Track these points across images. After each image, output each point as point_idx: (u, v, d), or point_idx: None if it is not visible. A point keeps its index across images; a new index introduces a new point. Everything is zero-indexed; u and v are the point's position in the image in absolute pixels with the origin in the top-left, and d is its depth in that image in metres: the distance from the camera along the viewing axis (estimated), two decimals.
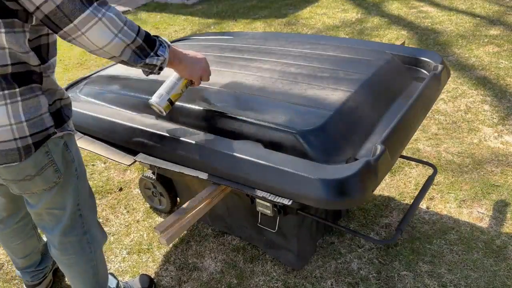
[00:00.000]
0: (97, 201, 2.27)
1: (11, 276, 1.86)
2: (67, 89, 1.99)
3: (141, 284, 1.69)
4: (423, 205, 2.03)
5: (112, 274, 1.66)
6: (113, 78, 1.84)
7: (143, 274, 1.75)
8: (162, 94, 1.37)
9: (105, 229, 2.08)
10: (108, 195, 2.32)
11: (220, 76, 1.66)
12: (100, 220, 2.14)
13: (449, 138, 2.49)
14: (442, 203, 2.03)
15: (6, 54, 0.98)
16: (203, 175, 1.40)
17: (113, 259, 1.91)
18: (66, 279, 1.80)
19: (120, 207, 2.22)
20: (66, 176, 1.22)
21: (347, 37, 4.05)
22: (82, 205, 1.32)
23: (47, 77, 1.10)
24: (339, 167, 1.21)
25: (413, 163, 2.31)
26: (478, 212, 1.96)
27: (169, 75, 1.41)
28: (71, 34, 0.98)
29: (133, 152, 1.60)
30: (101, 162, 2.61)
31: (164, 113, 1.42)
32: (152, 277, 1.78)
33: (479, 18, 4.22)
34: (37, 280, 1.67)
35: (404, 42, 2.48)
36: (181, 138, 1.44)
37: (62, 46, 4.67)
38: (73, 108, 1.75)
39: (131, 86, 1.75)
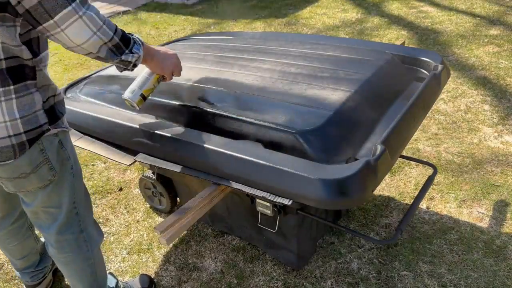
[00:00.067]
0: (97, 201, 2.28)
1: (11, 276, 1.86)
2: (67, 89, 1.99)
3: (141, 284, 1.69)
4: (423, 205, 2.03)
5: (111, 274, 1.66)
6: (113, 78, 1.84)
7: (143, 274, 1.75)
8: (135, 90, 1.41)
9: (105, 229, 2.08)
10: (108, 195, 2.32)
11: (220, 76, 1.66)
12: (100, 220, 2.14)
13: (449, 138, 2.49)
14: (442, 203, 2.03)
15: (0, 49, 0.99)
16: (203, 175, 1.40)
17: (113, 259, 1.91)
18: (66, 279, 1.80)
19: (120, 207, 2.22)
20: (61, 174, 1.23)
21: (347, 37, 4.05)
22: (78, 203, 1.32)
23: (40, 71, 1.11)
24: (339, 167, 1.21)
25: (413, 163, 2.31)
26: (478, 212, 1.96)
27: (141, 71, 1.43)
28: (50, 30, 1.00)
29: (133, 152, 1.60)
30: (101, 162, 2.61)
31: (137, 108, 1.45)
32: (152, 277, 1.78)
33: (479, 18, 4.22)
34: (37, 280, 1.67)
35: (404, 42, 2.48)
36: (181, 138, 1.44)
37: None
38: (73, 108, 1.75)
39: None
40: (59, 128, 1.18)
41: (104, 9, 6.05)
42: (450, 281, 1.65)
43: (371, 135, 1.42)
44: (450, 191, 2.10)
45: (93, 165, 2.59)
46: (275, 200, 1.25)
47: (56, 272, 1.81)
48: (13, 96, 1.04)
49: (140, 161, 1.54)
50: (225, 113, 1.48)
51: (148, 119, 1.61)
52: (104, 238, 2.02)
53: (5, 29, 0.98)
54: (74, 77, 3.90)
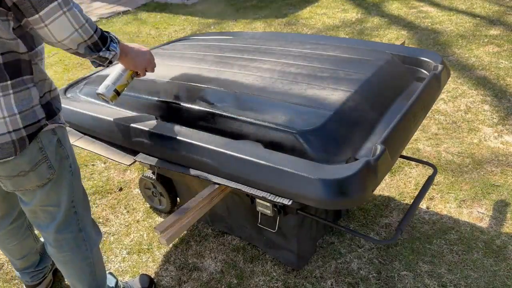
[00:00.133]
0: (97, 201, 2.28)
1: (11, 276, 1.86)
2: (67, 89, 1.99)
3: (141, 284, 1.69)
4: (423, 205, 2.03)
5: (111, 273, 1.66)
6: None
7: (143, 274, 1.75)
8: (109, 85, 1.44)
9: (105, 229, 2.08)
10: (108, 195, 2.32)
11: (220, 76, 1.66)
12: (100, 220, 2.14)
13: (449, 138, 2.49)
14: (442, 203, 2.03)
15: None
16: (203, 175, 1.40)
17: (113, 259, 1.91)
18: (65, 278, 1.79)
19: (120, 207, 2.22)
20: (60, 172, 1.23)
21: (347, 37, 4.05)
22: (77, 202, 1.33)
23: (36, 65, 1.12)
24: (339, 167, 1.20)
25: (413, 163, 2.31)
26: (478, 212, 1.96)
27: (115, 67, 1.46)
28: (33, 24, 1.02)
29: (133, 152, 1.60)
30: (101, 162, 2.61)
31: (111, 103, 1.49)
32: (152, 277, 1.78)
33: (479, 18, 4.22)
34: (37, 280, 1.67)
35: (404, 42, 2.48)
36: (181, 138, 1.44)
37: None
38: (73, 108, 1.75)
39: (131, 86, 1.75)
40: (56, 123, 1.19)
41: (104, 9, 6.05)
42: (450, 281, 1.65)
43: (371, 135, 1.42)
44: (450, 191, 2.10)
45: (93, 165, 2.59)
46: (275, 200, 1.25)
47: (56, 272, 1.81)
48: (11, 91, 1.05)
49: (140, 161, 1.54)
50: (225, 113, 1.48)
51: (148, 119, 1.60)
52: (104, 238, 2.02)
53: (0, 23, 0.99)
54: (74, 77, 3.90)
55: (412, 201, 1.93)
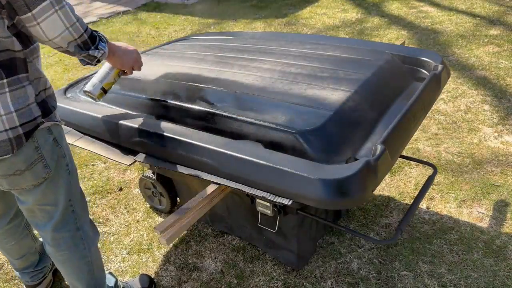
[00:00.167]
0: (97, 201, 2.28)
1: (11, 276, 1.86)
2: (67, 89, 1.99)
3: (141, 284, 1.69)
4: (423, 205, 2.03)
5: (111, 273, 1.66)
6: None
7: (143, 274, 1.75)
8: (96, 83, 1.46)
9: (105, 229, 2.08)
10: (108, 195, 2.32)
11: (220, 76, 1.66)
12: (100, 220, 2.14)
13: (449, 138, 2.49)
14: (442, 203, 2.03)
15: None
16: (203, 175, 1.40)
17: (113, 259, 1.91)
18: (64, 278, 1.79)
19: (120, 207, 2.22)
20: (57, 171, 1.24)
21: (347, 37, 4.05)
22: (74, 201, 1.33)
23: (31, 63, 1.12)
24: (339, 167, 1.20)
25: (413, 163, 2.31)
26: (478, 212, 1.96)
27: (102, 65, 1.47)
28: (26, 22, 1.02)
29: (133, 152, 1.60)
30: (101, 162, 2.61)
31: (98, 101, 1.50)
32: (152, 277, 1.78)
33: (479, 18, 4.22)
34: (37, 280, 1.67)
35: (404, 42, 2.48)
36: (181, 138, 1.44)
37: None
38: (73, 108, 1.75)
39: (131, 86, 1.75)
40: (52, 121, 1.19)
41: (104, 9, 6.06)
42: (450, 281, 1.65)
43: (371, 135, 1.42)
44: (450, 191, 2.10)
45: (93, 165, 2.59)
46: (275, 200, 1.25)
47: (56, 273, 1.81)
48: (7, 89, 1.06)
49: (140, 161, 1.54)
50: (225, 113, 1.48)
51: (148, 119, 1.60)
52: (104, 238, 2.02)
53: None
54: (74, 77, 3.90)
55: (412, 201, 1.93)
